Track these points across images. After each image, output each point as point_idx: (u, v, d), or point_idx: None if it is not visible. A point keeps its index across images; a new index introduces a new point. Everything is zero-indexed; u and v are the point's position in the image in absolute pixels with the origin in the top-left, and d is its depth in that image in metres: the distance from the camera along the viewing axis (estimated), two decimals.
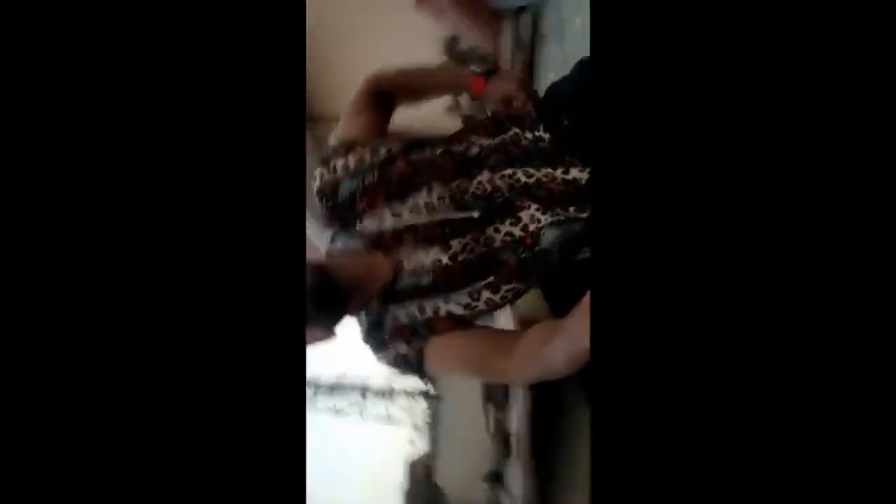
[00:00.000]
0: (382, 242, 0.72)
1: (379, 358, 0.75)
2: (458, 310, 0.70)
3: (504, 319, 2.05)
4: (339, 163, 0.75)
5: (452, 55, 3.96)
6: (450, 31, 3.79)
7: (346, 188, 0.73)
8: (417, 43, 3.69)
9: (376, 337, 0.73)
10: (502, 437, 2.08)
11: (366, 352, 0.77)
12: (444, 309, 0.70)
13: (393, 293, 0.72)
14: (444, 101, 4.10)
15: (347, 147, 0.75)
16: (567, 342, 0.52)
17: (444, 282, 0.69)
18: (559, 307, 0.76)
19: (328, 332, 0.68)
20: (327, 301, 0.65)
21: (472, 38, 3.63)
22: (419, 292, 0.70)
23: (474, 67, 0.84)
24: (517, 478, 1.85)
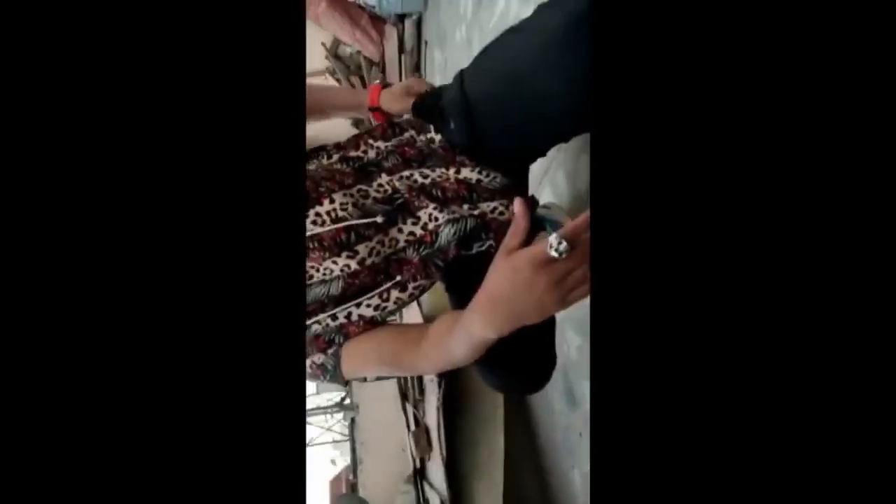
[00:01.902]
0: None
1: None
2: (368, 312, 0.72)
3: (413, 315, 2.09)
4: None
5: (335, 58, 3.92)
6: (332, 33, 3.74)
7: None
8: None
9: None
10: (423, 433, 2.12)
11: None
12: (355, 313, 0.71)
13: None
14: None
15: None
16: (464, 332, 0.55)
17: (354, 287, 0.71)
18: (459, 298, 0.82)
19: None
20: None
21: (352, 41, 3.63)
22: (330, 300, 0.71)
23: (376, 81, 0.89)
24: (439, 470, 1.90)
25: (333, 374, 0.71)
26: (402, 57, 3.27)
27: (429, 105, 0.83)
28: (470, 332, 0.55)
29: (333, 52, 3.91)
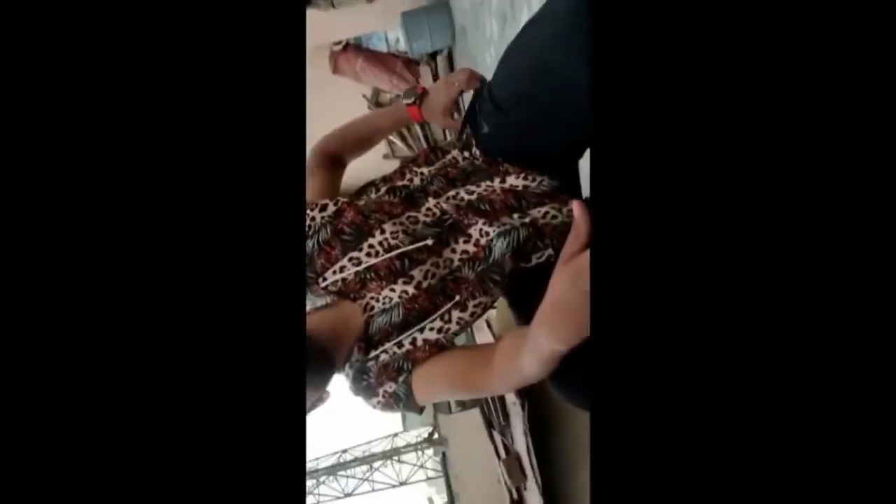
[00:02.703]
0: (348, 291, 0.74)
1: (372, 403, 0.76)
2: (432, 336, 0.72)
3: (485, 339, 2.07)
4: None
5: (377, 105, 4.13)
6: (371, 85, 3.95)
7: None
8: (344, 101, 3.83)
9: (364, 383, 0.74)
10: (514, 461, 2.05)
11: (359, 403, 0.78)
12: (420, 339, 0.72)
13: (369, 336, 0.73)
14: (381, 150, 4.21)
15: None
16: (531, 348, 0.53)
17: (415, 312, 0.71)
18: (524, 314, 0.80)
19: (321, 393, 0.68)
20: (314, 364, 0.66)
21: (391, 88, 3.81)
22: (394, 328, 0.72)
23: (406, 101, 0.89)
24: (536, 498, 1.82)
25: (406, 403, 0.71)
26: None
27: (466, 117, 0.84)
28: (537, 345, 0.53)
29: (375, 101, 4.13)
